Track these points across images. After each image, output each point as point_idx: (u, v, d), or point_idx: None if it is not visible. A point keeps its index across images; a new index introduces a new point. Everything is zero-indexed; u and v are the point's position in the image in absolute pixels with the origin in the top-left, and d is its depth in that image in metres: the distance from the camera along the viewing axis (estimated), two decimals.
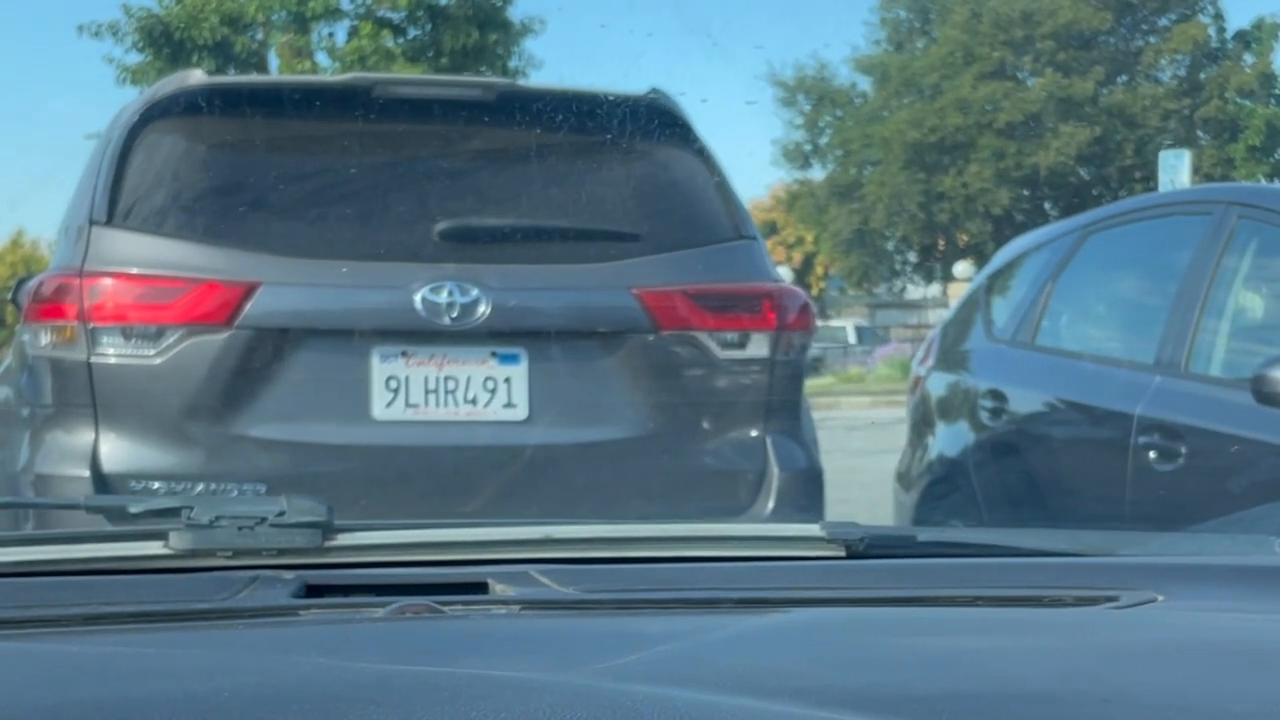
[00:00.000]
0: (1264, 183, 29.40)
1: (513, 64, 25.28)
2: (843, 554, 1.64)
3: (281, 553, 1.54)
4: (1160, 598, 1.44)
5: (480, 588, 1.47)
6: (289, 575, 1.47)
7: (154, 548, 1.55)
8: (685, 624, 1.32)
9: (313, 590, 1.45)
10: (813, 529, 1.67)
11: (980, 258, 30.83)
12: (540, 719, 0.90)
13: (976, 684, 1.08)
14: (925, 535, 1.99)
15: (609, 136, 4.38)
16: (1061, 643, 1.23)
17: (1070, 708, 1.02)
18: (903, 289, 44.96)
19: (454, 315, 4.04)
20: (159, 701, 0.97)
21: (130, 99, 4.60)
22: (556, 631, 1.28)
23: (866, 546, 1.64)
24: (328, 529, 1.56)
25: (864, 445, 11.33)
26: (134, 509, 1.62)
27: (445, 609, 1.34)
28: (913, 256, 42.97)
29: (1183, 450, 4.19)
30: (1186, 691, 1.06)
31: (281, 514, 1.54)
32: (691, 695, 0.98)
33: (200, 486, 3.93)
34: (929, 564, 1.63)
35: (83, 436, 3.98)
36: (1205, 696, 1.05)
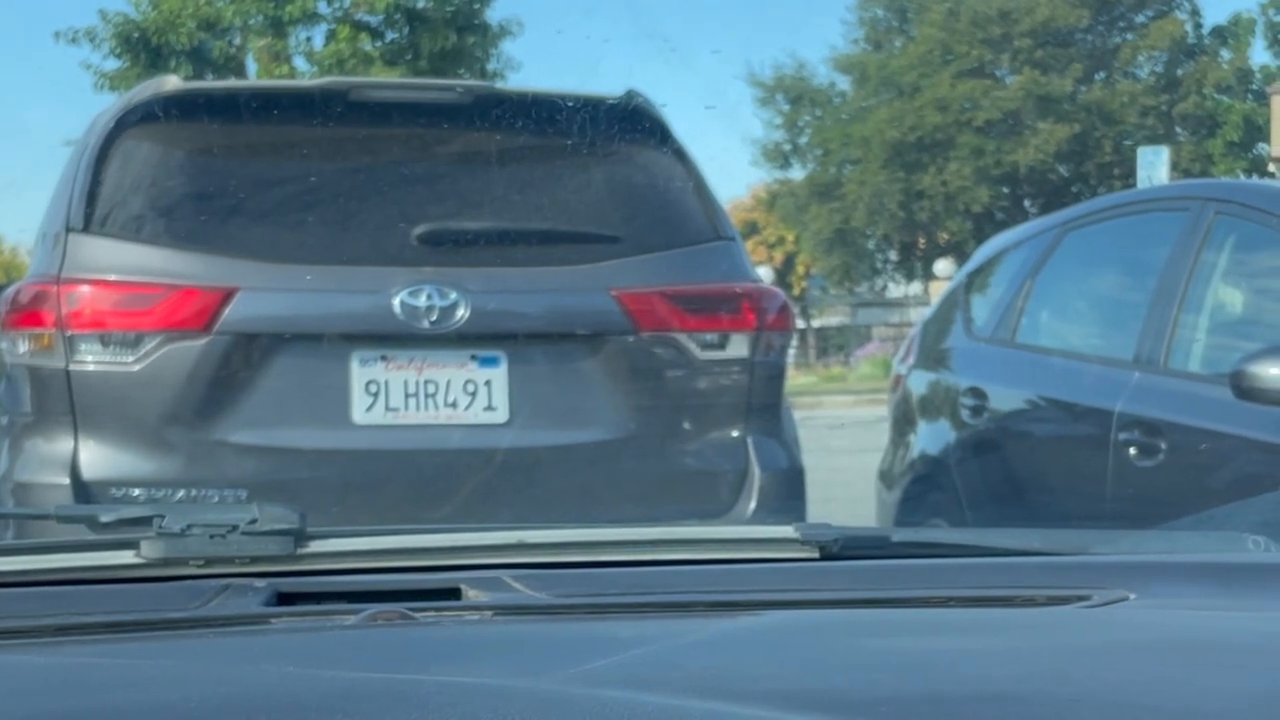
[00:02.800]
0: (1241, 178, 29.53)
1: (491, 67, 25.26)
2: (816, 555, 1.64)
3: (253, 560, 1.53)
4: (1132, 596, 1.44)
5: (453, 593, 1.47)
6: (260, 583, 1.47)
7: (125, 557, 1.54)
8: (657, 628, 1.32)
9: (284, 598, 1.44)
10: (786, 530, 1.67)
11: (961, 255, 30.88)
12: None
13: (946, 685, 1.08)
14: (899, 536, 1.99)
15: (586, 139, 4.37)
16: (1032, 643, 1.23)
17: (1039, 708, 1.02)
18: (884, 287, 45.03)
19: (433, 319, 4.04)
20: (126, 712, 0.97)
21: (108, 105, 4.60)
22: (528, 637, 1.27)
23: (840, 548, 1.64)
24: (300, 536, 1.55)
25: (846, 444, 11.34)
26: (105, 518, 1.61)
27: (417, 615, 1.34)
28: (893, 255, 43.06)
29: (1163, 446, 4.20)
30: (1155, 690, 1.06)
31: (253, 521, 1.54)
32: (661, 700, 0.98)
33: (181, 493, 3.92)
34: (902, 565, 1.63)
35: (62, 444, 3.97)
36: (1174, 695, 1.06)
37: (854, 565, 1.62)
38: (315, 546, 1.56)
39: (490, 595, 1.45)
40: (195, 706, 0.97)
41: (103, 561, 1.55)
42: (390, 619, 1.32)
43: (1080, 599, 1.43)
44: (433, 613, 1.37)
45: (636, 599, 1.45)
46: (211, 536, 1.53)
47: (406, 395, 4.06)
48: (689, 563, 1.64)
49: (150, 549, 1.54)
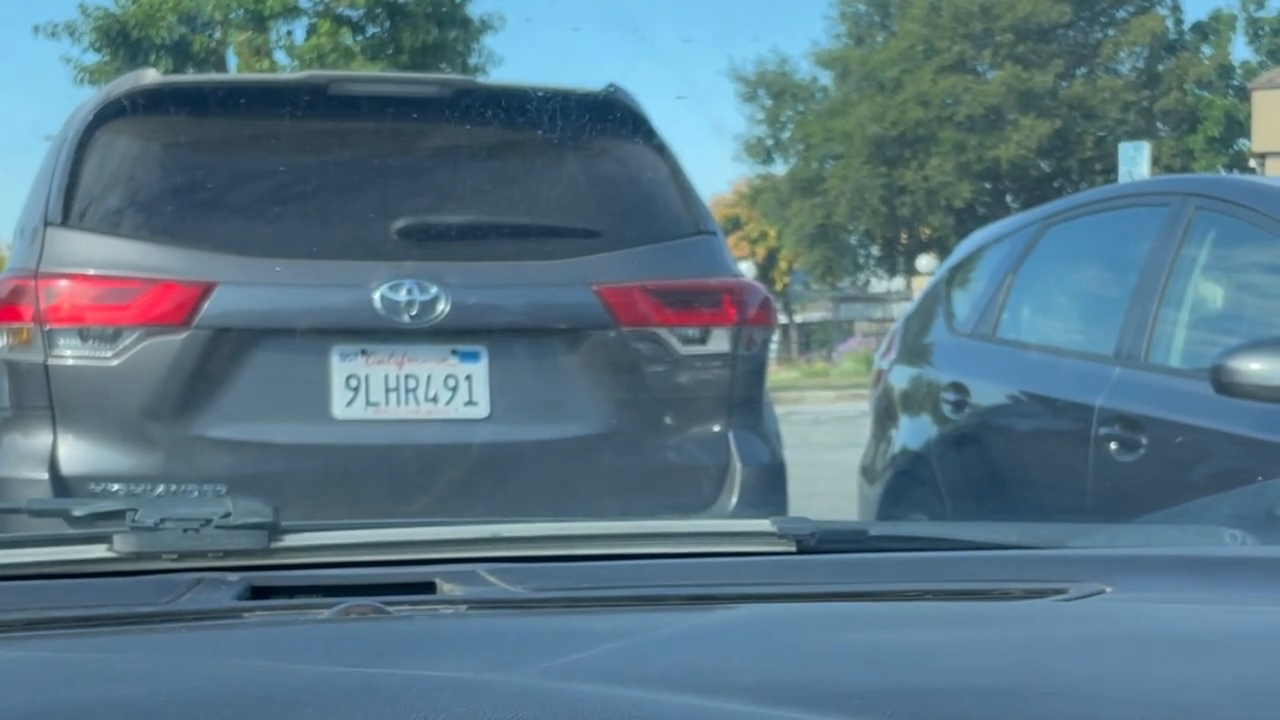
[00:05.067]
0: (1222, 173, 29.63)
1: (472, 61, 25.26)
2: (793, 549, 1.64)
3: (227, 554, 1.52)
4: (1108, 589, 1.44)
5: (427, 587, 1.46)
6: (234, 577, 1.46)
7: (98, 551, 1.54)
8: (632, 621, 1.31)
9: (258, 592, 1.44)
10: (764, 524, 1.67)
11: (943, 250, 30.94)
12: None
13: (920, 678, 1.07)
14: (877, 529, 1.99)
15: (567, 133, 4.36)
16: (1007, 636, 1.23)
17: (1013, 701, 1.01)
18: (866, 283, 45.08)
19: (413, 313, 4.03)
20: (97, 707, 0.97)
21: (86, 99, 4.58)
22: (502, 631, 1.27)
23: (817, 541, 1.64)
24: (274, 530, 1.55)
25: (829, 439, 11.36)
26: (78, 512, 1.60)
27: (391, 609, 1.33)
28: (876, 250, 43.12)
29: (1143, 441, 4.21)
30: (1130, 683, 1.06)
31: (227, 515, 1.53)
32: (635, 694, 0.98)
33: (160, 488, 3.91)
34: (879, 558, 1.63)
35: (40, 439, 3.95)
36: (1149, 687, 1.05)
37: (831, 559, 1.62)
38: (289, 540, 1.56)
39: (465, 589, 1.45)
40: (166, 701, 0.97)
41: (75, 555, 1.55)
42: (364, 613, 1.32)
43: (1057, 592, 1.42)
44: (406, 606, 1.36)
45: (612, 592, 1.44)
46: (185, 530, 1.52)
47: (387, 390, 4.05)
48: (665, 556, 1.64)
49: (123, 543, 1.53)
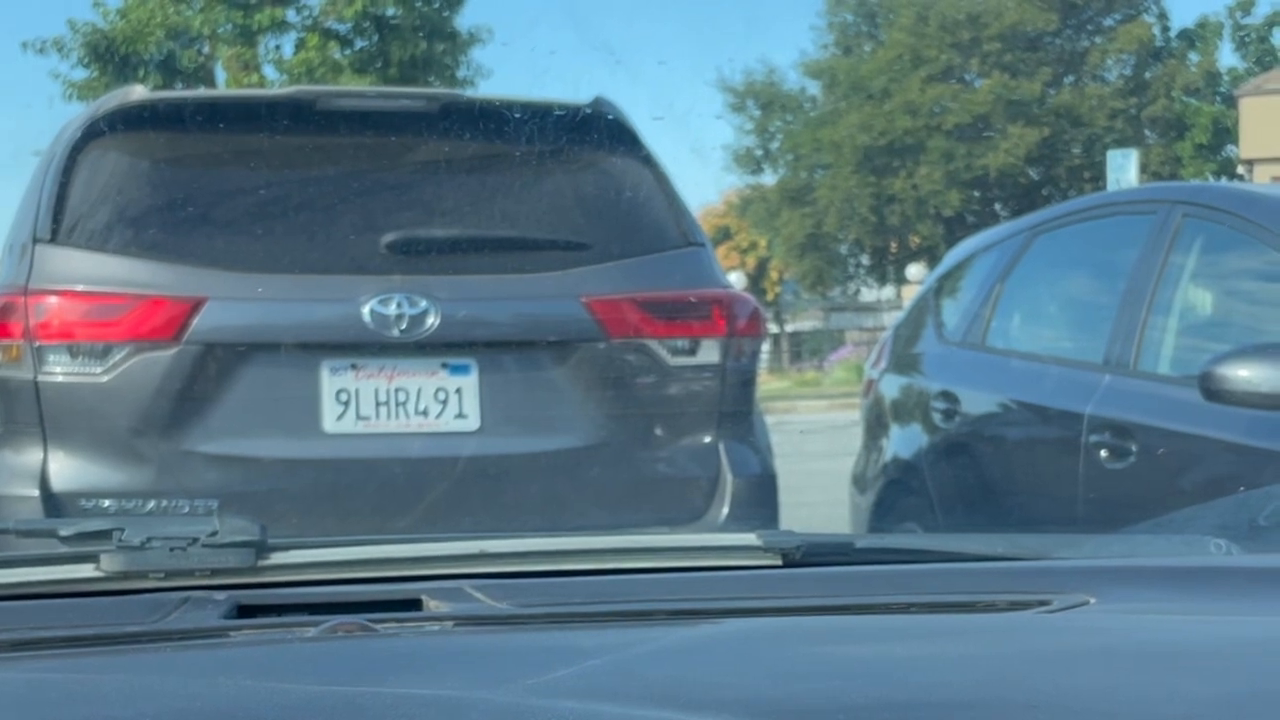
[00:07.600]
0: (1210, 181, 29.67)
1: (461, 74, 25.26)
2: (779, 563, 1.64)
3: (214, 573, 1.53)
4: (1092, 600, 1.44)
5: (414, 604, 1.47)
6: (221, 596, 1.46)
7: (85, 570, 1.54)
8: (618, 637, 1.31)
9: (244, 610, 1.44)
10: (749, 538, 1.67)
11: (933, 259, 30.95)
12: None
13: (903, 692, 1.08)
14: (862, 542, 1.99)
15: (555, 146, 4.37)
16: (992, 648, 1.23)
17: (996, 713, 1.02)
18: (857, 292, 45.10)
19: (403, 327, 4.03)
20: None
21: (75, 115, 4.58)
22: (488, 647, 1.27)
23: (803, 555, 1.64)
24: (261, 548, 1.55)
25: (821, 448, 11.34)
26: (65, 532, 1.60)
27: (378, 627, 1.33)
28: (866, 259, 43.12)
29: (1133, 448, 4.21)
30: (1114, 694, 1.06)
31: (214, 534, 1.53)
32: (619, 710, 0.98)
33: (151, 504, 3.91)
34: (865, 571, 1.63)
35: (31, 456, 3.95)
36: (1132, 699, 1.06)
37: (816, 572, 1.62)
38: (276, 558, 1.56)
39: (451, 606, 1.45)
40: None
41: (62, 575, 1.55)
42: (350, 630, 1.32)
43: (1041, 604, 1.43)
44: (393, 624, 1.36)
45: (598, 608, 1.44)
46: (172, 549, 1.52)
47: (377, 404, 4.05)
48: (651, 571, 1.64)
49: (110, 562, 1.53)
